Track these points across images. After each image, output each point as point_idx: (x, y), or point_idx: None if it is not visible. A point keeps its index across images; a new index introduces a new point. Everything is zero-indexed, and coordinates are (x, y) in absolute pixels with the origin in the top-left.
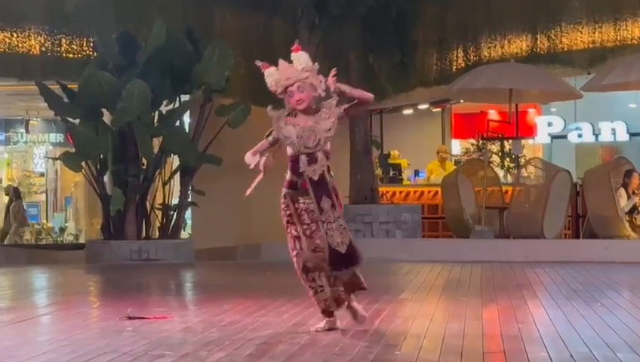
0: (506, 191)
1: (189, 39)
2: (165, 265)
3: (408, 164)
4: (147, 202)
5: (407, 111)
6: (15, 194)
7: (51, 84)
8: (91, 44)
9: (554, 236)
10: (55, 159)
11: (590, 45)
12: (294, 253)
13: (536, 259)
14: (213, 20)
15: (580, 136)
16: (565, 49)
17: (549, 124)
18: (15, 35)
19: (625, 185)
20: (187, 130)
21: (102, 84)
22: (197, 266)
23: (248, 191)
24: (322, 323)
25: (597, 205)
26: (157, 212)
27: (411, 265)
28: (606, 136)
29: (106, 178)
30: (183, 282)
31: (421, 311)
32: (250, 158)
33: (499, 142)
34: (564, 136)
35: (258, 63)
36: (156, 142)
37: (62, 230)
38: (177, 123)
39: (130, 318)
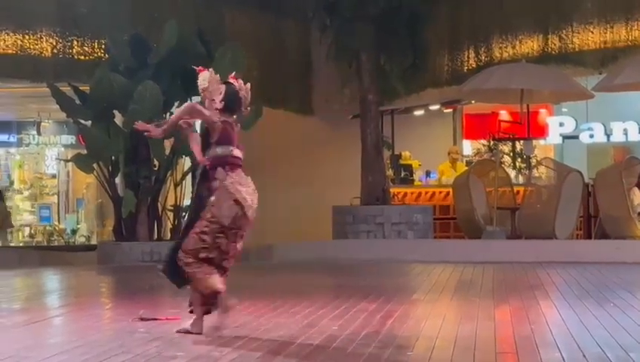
0: (518, 192)
1: (200, 41)
2: None
3: (419, 165)
4: (159, 203)
5: (419, 112)
6: None
7: (63, 85)
8: (103, 46)
9: (566, 236)
10: (67, 161)
11: (602, 45)
12: None
13: (548, 259)
14: (225, 22)
15: (591, 136)
16: (577, 49)
17: (561, 125)
18: (27, 37)
19: (639, 185)
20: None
21: (113, 85)
22: None
23: None
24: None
25: (609, 205)
26: (168, 213)
27: (423, 265)
28: (618, 137)
29: (117, 180)
30: None
31: (433, 312)
32: None
33: (510, 143)
34: (576, 137)
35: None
36: (168, 144)
37: (74, 231)
38: None
39: (142, 319)
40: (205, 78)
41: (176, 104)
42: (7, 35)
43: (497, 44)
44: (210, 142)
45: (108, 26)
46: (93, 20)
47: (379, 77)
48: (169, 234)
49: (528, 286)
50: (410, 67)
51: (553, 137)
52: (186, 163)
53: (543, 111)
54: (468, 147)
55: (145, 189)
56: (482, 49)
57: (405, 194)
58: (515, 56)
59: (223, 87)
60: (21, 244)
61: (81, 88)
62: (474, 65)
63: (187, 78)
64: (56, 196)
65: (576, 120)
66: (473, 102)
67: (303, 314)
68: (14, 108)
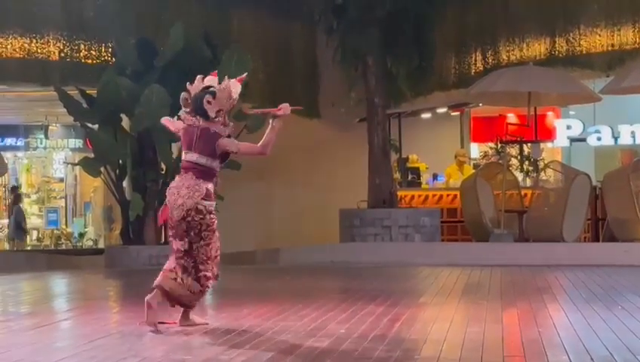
0: (525, 195)
1: (206, 44)
2: None
3: (427, 168)
4: None
5: (426, 115)
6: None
7: (70, 89)
8: (110, 50)
9: (573, 239)
10: (74, 165)
11: (609, 48)
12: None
13: (555, 262)
14: (232, 25)
15: (599, 139)
16: (584, 52)
17: (568, 127)
18: (34, 41)
19: None
20: None
21: (120, 89)
22: None
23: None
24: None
25: (616, 208)
26: None
27: (430, 268)
28: (625, 139)
29: (124, 183)
30: None
31: (441, 315)
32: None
33: (518, 146)
34: (584, 140)
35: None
36: (175, 147)
37: (81, 235)
38: None
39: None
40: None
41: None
42: (15, 38)
43: (504, 46)
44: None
45: (114, 30)
46: (99, 24)
47: (385, 80)
48: None
49: (536, 289)
50: (417, 70)
51: (561, 140)
52: None
53: (550, 114)
54: (475, 150)
55: (152, 192)
56: (489, 52)
57: (412, 197)
58: (523, 58)
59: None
60: (29, 248)
61: (88, 92)
62: (481, 68)
63: (194, 81)
64: (63, 200)
65: (583, 123)
66: (480, 105)
67: (311, 317)
68: (22, 111)
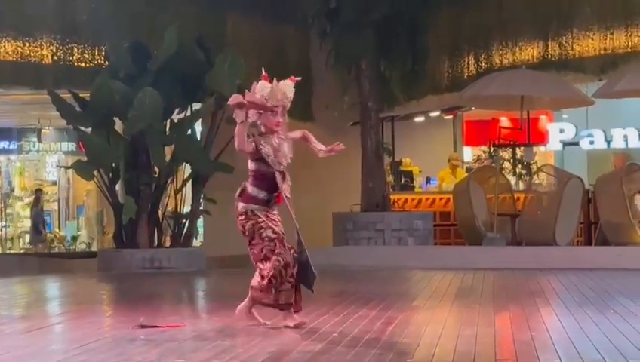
0: (518, 198)
1: (200, 47)
2: (177, 273)
3: (420, 172)
4: (159, 210)
5: (419, 119)
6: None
7: (63, 92)
8: (103, 53)
9: (566, 243)
10: (67, 168)
11: (602, 52)
12: (276, 251)
13: (548, 266)
14: (225, 29)
15: (591, 142)
16: (577, 56)
17: (561, 131)
18: (27, 44)
19: None
20: (199, 139)
21: (113, 92)
22: (209, 274)
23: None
24: (291, 321)
25: (609, 212)
26: (169, 220)
27: (423, 272)
28: (618, 143)
29: (117, 186)
30: (195, 290)
31: (433, 319)
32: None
33: (510, 149)
34: (576, 143)
35: (264, 72)
36: (168, 151)
37: (74, 238)
38: (189, 131)
39: (142, 327)
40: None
41: (176, 111)
42: (8, 42)
43: (497, 50)
44: None
45: (108, 33)
46: (93, 27)
47: (379, 83)
48: (169, 241)
49: (529, 292)
50: (410, 73)
51: (553, 144)
52: (186, 170)
53: (543, 117)
54: (468, 153)
55: (145, 196)
56: (482, 55)
57: (406, 200)
58: (515, 62)
59: None
60: (21, 251)
61: (81, 95)
62: (474, 72)
63: (187, 84)
64: (56, 203)
65: (576, 126)
66: (473, 108)
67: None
68: (15, 115)
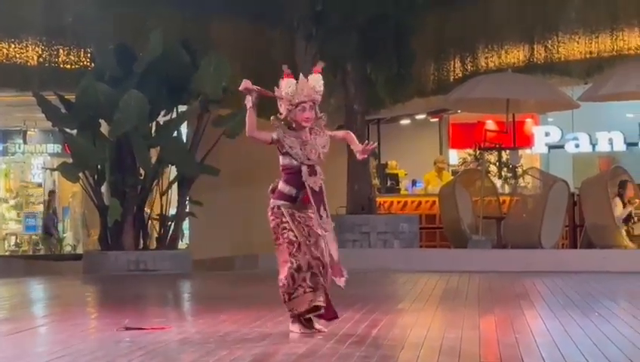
0: (504, 201)
1: (186, 50)
2: (163, 275)
3: (406, 174)
4: (145, 212)
5: (405, 122)
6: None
7: (49, 94)
8: (88, 55)
9: (551, 246)
10: (53, 170)
11: (587, 55)
12: (291, 255)
13: (533, 268)
14: (211, 31)
15: (577, 146)
16: (562, 59)
17: (547, 134)
18: (13, 45)
19: (620, 195)
20: (184, 141)
21: (99, 94)
22: (194, 277)
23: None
24: (296, 327)
25: (594, 215)
26: (154, 222)
27: (409, 275)
28: (603, 146)
29: (103, 188)
30: (181, 293)
31: (419, 321)
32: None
33: (496, 152)
34: (562, 146)
35: (284, 68)
36: (154, 153)
37: (60, 241)
38: (175, 133)
39: (127, 329)
40: (322, 81)
41: (161, 113)
42: None
43: (483, 53)
44: None
45: (93, 35)
46: (78, 29)
47: (365, 86)
48: (155, 244)
49: (514, 295)
50: (396, 76)
51: (539, 147)
52: (171, 172)
53: (528, 120)
54: (454, 156)
55: (131, 198)
56: (468, 58)
57: (391, 203)
58: (501, 65)
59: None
60: (7, 253)
61: (66, 97)
62: (460, 75)
63: (173, 86)
64: (42, 205)
65: (561, 130)
66: (459, 111)
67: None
68: (0, 116)
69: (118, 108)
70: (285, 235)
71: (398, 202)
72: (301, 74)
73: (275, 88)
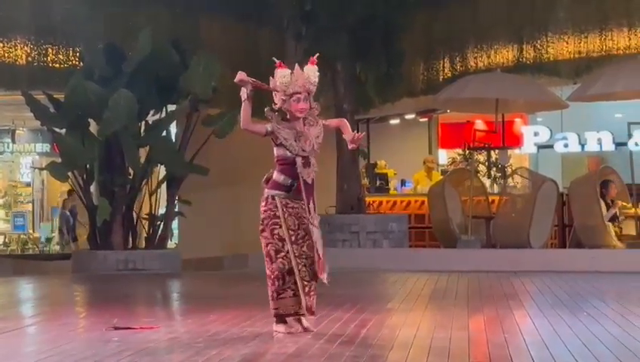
0: (493, 201)
1: (175, 49)
2: (152, 275)
3: (395, 174)
4: (134, 212)
5: (394, 121)
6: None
7: (37, 94)
8: (78, 54)
9: (540, 246)
10: (41, 169)
11: (576, 55)
12: (281, 253)
13: (522, 268)
14: (200, 30)
15: (566, 145)
16: (551, 59)
17: (536, 134)
18: (1, 45)
19: (603, 196)
20: (174, 140)
21: (88, 94)
22: (184, 276)
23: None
24: (281, 327)
25: (583, 215)
26: (143, 222)
27: (398, 274)
28: (592, 146)
29: (92, 188)
30: (170, 292)
31: (408, 321)
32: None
33: (485, 152)
34: (551, 146)
35: (275, 60)
36: (143, 152)
37: (48, 240)
38: (164, 133)
39: (116, 328)
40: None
41: (151, 112)
42: None
43: (472, 53)
44: None
45: (83, 34)
46: (67, 28)
47: (354, 86)
48: (144, 243)
49: (503, 295)
50: (386, 76)
51: (528, 146)
52: (161, 171)
53: (517, 120)
54: (443, 156)
55: (120, 197)
56: (457, 58)
57: (381, 203)
58: (490, 65)
59: None
60: None
61: (55, 96)
62: (449, 75)
63: (162, 86)
64: (30, 204)
65: (550, 129)
66: (448, 111)
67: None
68: None
69: (108, 107)
70: (275, 231)
71: (388, 202)
72: (297, 64)
73: (270, 78)
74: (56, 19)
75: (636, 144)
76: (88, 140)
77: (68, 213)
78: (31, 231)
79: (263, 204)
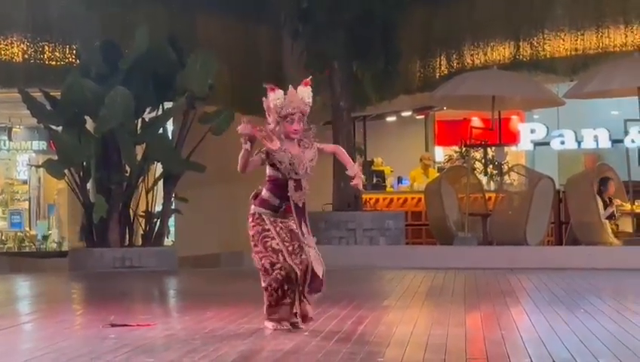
0: (489, 198)
1: (172, 47)
2: (148, 272)
3: (391, 171)
4: (130, 209)
5: (391, 119)
6: None
7: (34, 91)
8: (74, 52)
9: (537, 243)
10: (38, 166)
11: (572, 52)
12: (277, 265)
13: (519, 265)
14: (197, 28)
15: (562, 143)
16: (548, 56)
17: (532, 131)
18: None
19: (600, 193)
20: (170, 138)
21: (84, 91)
22: (180, 273)
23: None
24: (271, 324)
25: (579, 212)
26: (140, 219)
27: (395, 271)
28: (588, 143)
29: (89, 185)
30: (166, 289)
31: (404, 318)
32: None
33: (482, 149)
34: (547, 143)
35: (266, 85)
36: (139, 150)
37: (45, 238)
38: (160, 130)
39: (113, 326)
40: (311, 93)
41: (147, 110)
42: None
43: (469, 51)
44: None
45: (79, 32)
46: (64, 26)
47: (351, 83)
48: (140, 241)
49: (499, 292)
50: (382, 74)
51: (524, 144)
52: (157, 169)
53: (514, 117)
54: (440, 153)
55: (116, 195)
56: (454, 56)
57: (377, 200)
58: (487, 63)
59: None
60: None
61: (52, 94)
62: (446, 72)
63: (158, 83)
64: (27, 202)
65: (547, 126)
66: (445, 108)
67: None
68: None
69: (104, 104)
70: (268, 243)
71: (384, 199)
72: (290, 86)
73: (263, 99)
74: (52, 17)
75: (632, 141)
76: (85, 138)
77: None
78: (27, 228)
79: (250, 220)
